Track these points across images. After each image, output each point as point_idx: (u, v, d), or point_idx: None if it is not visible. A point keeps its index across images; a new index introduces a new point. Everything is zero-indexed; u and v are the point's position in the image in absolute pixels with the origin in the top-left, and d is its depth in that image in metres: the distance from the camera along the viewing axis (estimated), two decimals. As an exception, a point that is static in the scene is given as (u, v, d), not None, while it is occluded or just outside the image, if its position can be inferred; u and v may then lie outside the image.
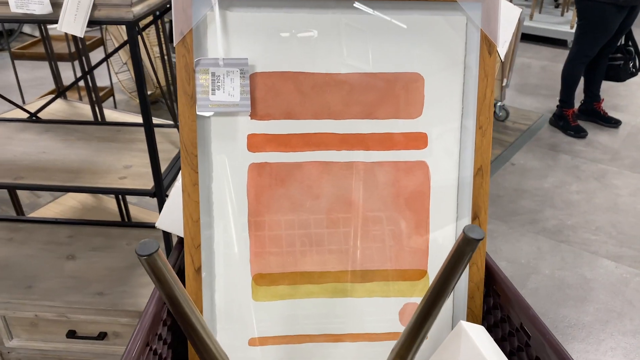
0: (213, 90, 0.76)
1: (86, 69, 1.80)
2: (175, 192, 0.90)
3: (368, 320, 0.84)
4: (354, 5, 0.76)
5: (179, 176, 0.91)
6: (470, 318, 0.83)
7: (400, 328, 0.85)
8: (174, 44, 0.74)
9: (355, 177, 0.81)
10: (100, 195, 2.44)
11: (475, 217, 0.81)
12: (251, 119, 0.78)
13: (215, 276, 0.81)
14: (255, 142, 0.79)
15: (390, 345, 0.85)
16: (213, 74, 0.75)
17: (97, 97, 1.76)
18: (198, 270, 0.79)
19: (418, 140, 0.81)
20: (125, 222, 2.15)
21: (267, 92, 0.78)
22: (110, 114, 1.90)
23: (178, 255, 0.90)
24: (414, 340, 0.63)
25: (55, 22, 1.07)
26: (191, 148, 0.76)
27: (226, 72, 0.76)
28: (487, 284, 0.83)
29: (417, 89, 0.80)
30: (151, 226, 1.77)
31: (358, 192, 0.81)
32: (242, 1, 0.75)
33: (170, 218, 0.90)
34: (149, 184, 1.32)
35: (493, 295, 0.83)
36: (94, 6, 1.06)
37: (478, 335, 0.72)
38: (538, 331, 0.70)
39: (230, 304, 0.81)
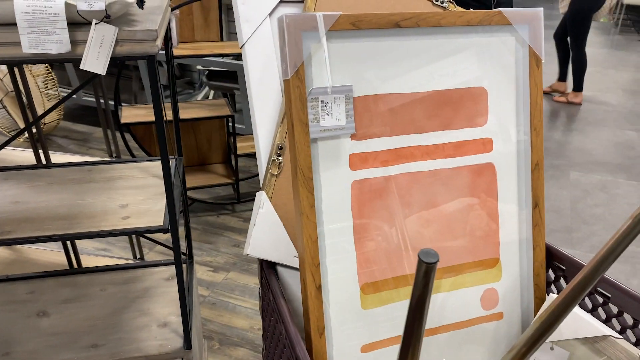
0: (323, 116, 0.80)
1: None
2: (263, 219, 0.92)
3: (456, 310, 0.94)
4: (429, 33, 0.86)
5: (261, 201, 0.93)
6: (537, 292, 0.97)
7: (482, 312, 0.95)
8: (288, 76, 0.77)
9: (439, 183, 0.90)
10: (18, 246, 2.19)
11: (535, 205, 0.95)
12: (351, 139, 0.84)
13: (329, 291, 0.84)
14: (356, 161, 0.85)
15: (476, 330, 0.95)
16: (322, 102, 0.80)
17: (42, 139, 1.62)
18: (319, 288, 0.82)
19: (485, 145, 0.93)
20: (92, 268, 1.97)
21: (364, 114, 0.84)
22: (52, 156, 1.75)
23: (268, 276, 0.91)
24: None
25: (71, 61, 1.00)
26: (308, 172, 0.80)
27: (333, 99, 0.80)
28: (547, 261, 0.97)
29: (482, 101, 0.92)
30: (107, 270, 1.66)
31: (442, 196, 0.91)
32: (341, 32, 0.81)
33: (261, 245, 0.92)
34: (156, 220, 1.27)
35: (554, 270, 0.97)
36: (116, 42, 1.02)
37: None
38: (615, 288, 0.86)
39: (343, 315, 0.85)
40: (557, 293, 0.97)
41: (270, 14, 0.94)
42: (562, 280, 0.96)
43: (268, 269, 0.96)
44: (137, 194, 1.37)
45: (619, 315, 0.86)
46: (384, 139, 0.86)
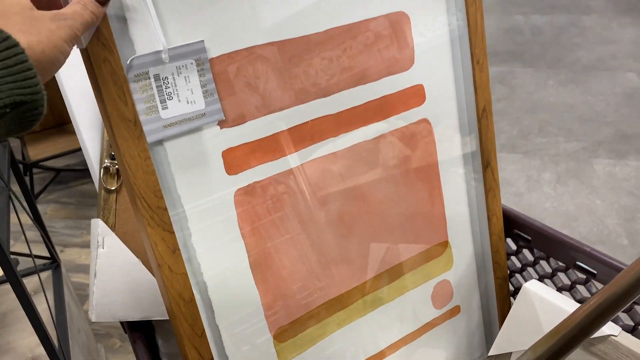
0: (163, 101, 0.47)
1: None
2: (107, 263, 0.60)
3: (402, 322, 0.70)
4: None
5: (99, 236, 0.61)
6: (498, 271, 0.75)
7: (435, 312, 0.73)
8: (84, 45, 0.43)
9: (360, 163, 0.62)
10: None
11: (487, 164, 0.70)
12: (220, 128, 0.52)
13: (228, 357, 0.56)
14: (235, 159, 0.54)
15: (430, 336, 0.73)
16: (157, 78, 0.47)
17: None
18: (212, 364, 0.54)
19: (416, 96, 0.65)
20: None
21: (233, 83, 0.52)
22: None
23: (135, 346, 0.62)
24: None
25: None
26: (155, 200, 0.48)
27: (176, 69, 0.47)
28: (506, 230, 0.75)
29: (404, 33, 0.62)
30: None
31: (367, 180, 0.63)
32: (168, -51, 0.46)
33: (113, 302, 0.61)
34: None
35: (514, 239, 0.75)
36: None
37: (545, 291, 0.65)
38: (600, 262, 0.65)
39: (256, 381, 0.59)
40: (522, 266, 0.76)
41: None
42: (525, 251, 0.75)
43: (134, 333, 0.65)
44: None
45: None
46: (272, 116, 0.55)
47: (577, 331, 0.45)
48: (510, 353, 0.68)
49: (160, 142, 0.49)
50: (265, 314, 0.59)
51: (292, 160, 0.57)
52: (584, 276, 0.68)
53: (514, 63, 2.94)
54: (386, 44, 0.61)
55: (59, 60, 0.39)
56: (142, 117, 0.46)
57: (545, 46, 3.02)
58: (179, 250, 0.50)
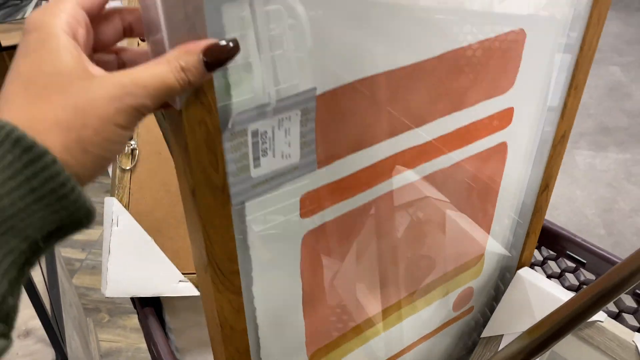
0: (257, 159, 0.38)
1: None
2: (121, 241, 0.56)
3: (423, 326, 0.70)
4: None
5: (113, 214, 0.56)
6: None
7: (452, 314, 0.73)
8: (178, 107, 0.32)
9: (430, 191, 0.56)
10: None
11: (545, 187, 0.66)
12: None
13: (265, 383, 0.54)
14: (312, 203, 0.46)
15: (443, 333, 0.74)
16: (255, 134, 0.36)
17: None
18: (253, 400, 0.51)
19: (502, 119, 0.57)
20: None
21: (327, 125, 0.42)
22: None
23: (147, 321, 0.59)
24: None
25: None
26: (229, 265, 0.41)
27: (278, 122, 0.37)
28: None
29: (514, 52, 0.52)
30: None
31: (432, 208, 0.57)
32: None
33: (126, 278, 0.58)
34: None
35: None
36: None
37: (536, 278, 0.68)
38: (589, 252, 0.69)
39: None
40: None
41: None
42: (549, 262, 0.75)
43: (145, 309, 0.62)
44: None
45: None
46: (359, 153, 0.46)
47: (571, 318, 0.48)
48: (502, 335, 0.72)
49: (242, 202, 0.40)
50: (306, 340, 0.55)
51: (367, 196, 0.50)
52: (574, 265, 0.71)
53: None
54: (494, 66, 0.51)
55: (112, 152, 0.28)
56: (230, 179, 0.37)
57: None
58: (243, 309, 0.44)
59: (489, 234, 0.67)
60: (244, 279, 0.45)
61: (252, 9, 0.31)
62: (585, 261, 0.70)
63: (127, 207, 0.60)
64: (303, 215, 0.46)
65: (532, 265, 0.74)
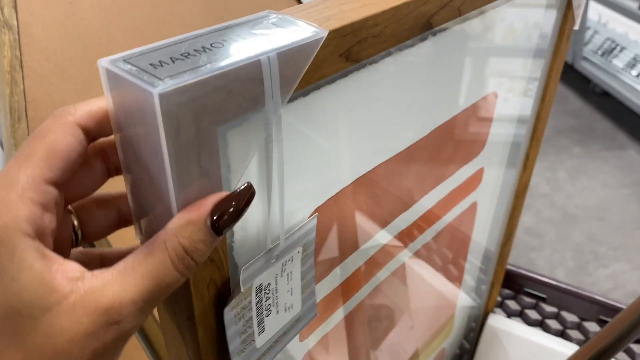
0: (261, 322, 0.30)
1: None
2: None
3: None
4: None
5: None
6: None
7: (427, 378, 0.68)
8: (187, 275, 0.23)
9: (411, 271, 0.51)
10: None
11: (507, 240, 0.64)
12: (305, 292, 0.36)
13: None
14: (310, 323, 0.39)
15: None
16: (259, 289, 0.29)
17: None
18: None
19: (474, 181, 0.54)
20: None
21: (325, 237, 0.36)
22: None
23: None
24: None
25: None
26: None
27: (281, 267, 0.30)
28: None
29: (488, 115, 0.49)
30: None
31: (410, 283, 0.53)
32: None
33: None
34: None
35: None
36: None
37: (506, 324, 0.69)
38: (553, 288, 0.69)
39: None
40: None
41: None
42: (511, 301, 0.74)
43: None
44: None
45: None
46: (350, 258, 0.40)
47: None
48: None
49: None
50: None
51: (359, 296, 0.44)
52: (534, 301, 0.72)
53: None
54: (470, 132, 0.48)
55: None
56: (233, 357, 0.28)
57: None
58: None
59: (458, 294, 0.64)
60: None
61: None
62: (545, 296, 0.71)
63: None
64: (302, 337, 0.39)
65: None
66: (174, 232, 0.21)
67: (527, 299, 0.73)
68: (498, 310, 0.75)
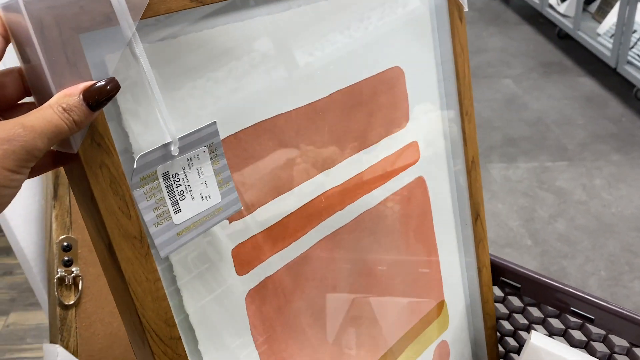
0: (175, 203, 0.38)
1: None
2: None
3: (410, 392, 0.65)
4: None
5: None
6: (489, 321, 0.72)
7: (436, 376, 0.68)
8: (74, 150, 0.32)
9: (366, 233, 0.56)
10: None
11: (477, 216, 0.68)
12: (229, 222, 0.44)
13: None
14: (245, 256, 0.45)
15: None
16: (167, 176, 0.37)
17: None
18: None
19: (411, 154, 0.60)
20: None
21: (241, 167, 0.44)
22: None
23: None
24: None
25: None
26: (168, 330, 0.38)
27: (187, 161, 0.38)
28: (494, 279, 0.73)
29: (399, 89, 0.57)
30: None
31: (373, 253, 0.57)
32: (157, 23, 0.37)
33: None
34: None
35: (500, 287, 0.73)
36: None
37: (549, 344, 0.63)
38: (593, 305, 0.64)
39: None
40: (510, 313, 0.74)
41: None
42: (511, 298, 0.73)
43: None
44: None
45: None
46: (280, 198, 0.47)
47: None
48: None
49: (167, 257, 0.39)
50: None
51: (302, 244, 0.50)
52: (580, 321, 0.67)
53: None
54: (384, 102, 0.56)
55: (3, 197, 0.29)
56: (151, 230, 0.36)
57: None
58: (192, 383, 0.40)
59: (441, 280, 0.67)
60: (191, 357, 0.42)
61: (133, 51, 0.34)
62: (593, 317, 0.65)
63: (75, 353, 0.53)
64: (240, 271, 0.45)
65: (530, 324, 0.70)
66: (56, 99, 0.30)
67: (573, 319, 0.67)
68: (539, 327, 0.70)
